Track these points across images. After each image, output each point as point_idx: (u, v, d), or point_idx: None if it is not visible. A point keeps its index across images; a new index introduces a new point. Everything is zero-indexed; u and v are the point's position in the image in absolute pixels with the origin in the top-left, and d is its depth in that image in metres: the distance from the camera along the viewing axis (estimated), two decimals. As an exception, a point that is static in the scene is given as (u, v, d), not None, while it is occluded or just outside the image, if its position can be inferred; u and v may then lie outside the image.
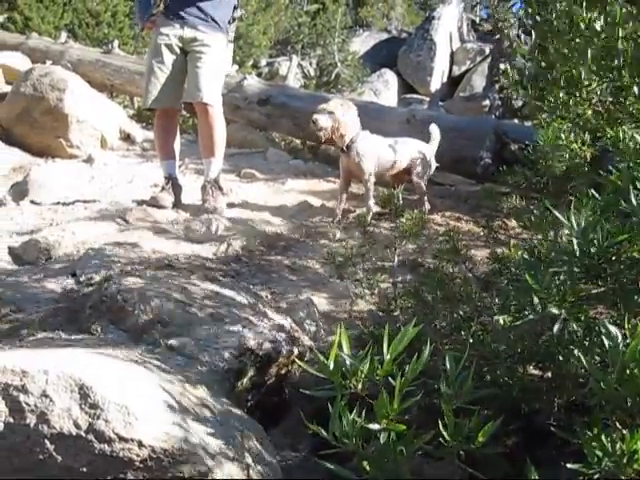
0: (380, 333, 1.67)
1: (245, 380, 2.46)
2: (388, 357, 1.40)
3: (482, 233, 4.09)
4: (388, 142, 4.78)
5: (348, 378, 1.43)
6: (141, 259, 3.36)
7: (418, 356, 1.44)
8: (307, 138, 7.21)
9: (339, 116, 4.48)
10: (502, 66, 9.50)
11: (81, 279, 3.11)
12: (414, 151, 4.81)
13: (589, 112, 2.48)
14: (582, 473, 1.34)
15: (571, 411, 1.87)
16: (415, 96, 15.96)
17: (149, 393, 1.89)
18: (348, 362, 1.44)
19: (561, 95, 2.39)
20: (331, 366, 1.43)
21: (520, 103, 9.49)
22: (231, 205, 4.76)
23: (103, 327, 2.61)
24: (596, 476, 1.33)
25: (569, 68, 2.34)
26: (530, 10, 2.66)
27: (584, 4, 2.29)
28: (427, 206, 4.78)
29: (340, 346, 1.46)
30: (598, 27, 2.24)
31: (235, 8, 4.83)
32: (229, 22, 4.79)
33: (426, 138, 4.94)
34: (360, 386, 1.41)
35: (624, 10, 2.22)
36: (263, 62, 16.85)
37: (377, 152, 4.63)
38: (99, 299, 2.76)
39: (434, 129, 4.98)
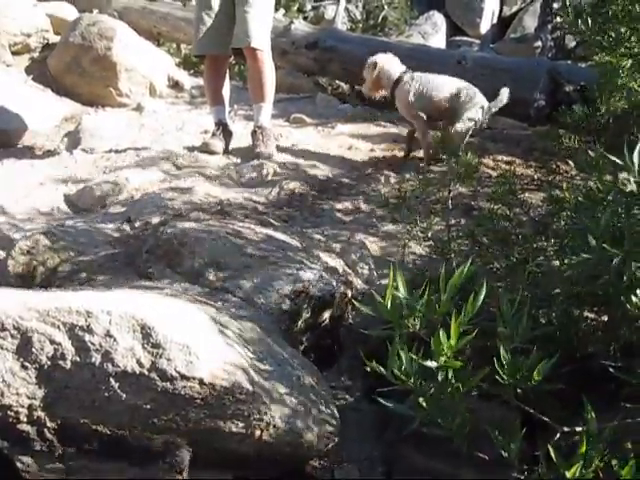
0: (435, 275, 1.67)
1: (300, 322, 2.49)
2: (445, 296, 1.41)
3: (535, 176, 4.03)
4: None
5: (405, 317, 1.44)
6: (195, 204, 3.40)
7: (475, 296, 1.44)
8: (356, 83, 7.12)
9: None
10: (556, 5, 9.18)
11: (137, 224, 3.16)
12: None
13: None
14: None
15: (628, 354, 1.86)
16: (465, 38, 15.55)
17: (208, 333, 1.94)
18: (405, 301, 1.44)
19: (622, 30, 2.31)
20: (388, 306, 1.44)
21: (574, 43, 9.16)
22: (281, 150, 4.76)
23: (160, 270, 2.67)
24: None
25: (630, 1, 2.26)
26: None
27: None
28: None
29: (396, 286, 1.47)
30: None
31: None
32: None
33: (477, 81, 4.80)
34: (418, 325, 1.42)
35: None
36: (308, 6, 16.56)
37: None
38: (155, 243, 2.81)
39: None
